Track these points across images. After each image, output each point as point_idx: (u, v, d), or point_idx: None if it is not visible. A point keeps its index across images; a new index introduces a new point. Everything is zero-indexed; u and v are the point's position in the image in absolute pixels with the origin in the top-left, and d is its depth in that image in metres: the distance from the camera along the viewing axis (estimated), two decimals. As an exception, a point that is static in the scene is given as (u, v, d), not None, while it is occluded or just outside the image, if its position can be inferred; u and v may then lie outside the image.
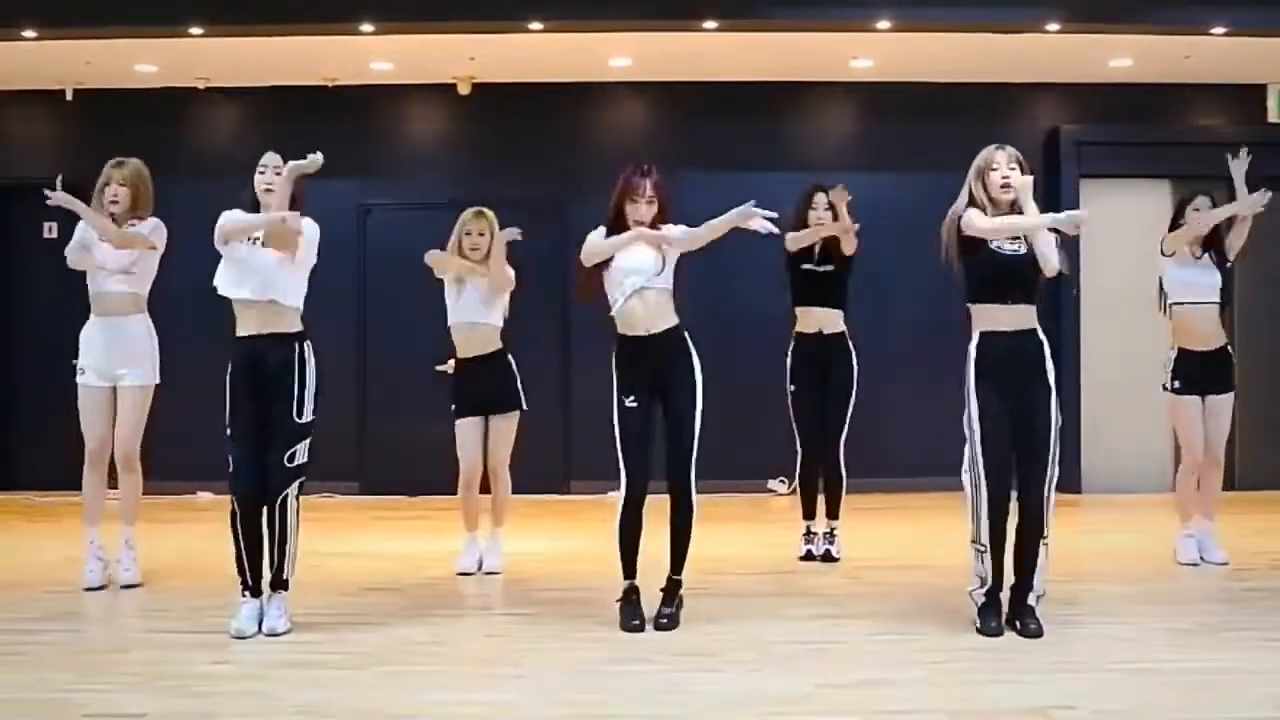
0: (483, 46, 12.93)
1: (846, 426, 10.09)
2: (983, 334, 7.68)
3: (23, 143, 14.53)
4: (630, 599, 7.90)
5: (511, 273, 9.54)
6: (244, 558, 7.71)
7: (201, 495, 13.06)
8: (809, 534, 10.19)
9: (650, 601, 7.92)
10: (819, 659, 7.17)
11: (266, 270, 7.70)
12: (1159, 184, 14.19)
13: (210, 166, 14.10)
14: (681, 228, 7.96)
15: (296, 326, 7.80)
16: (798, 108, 14.55)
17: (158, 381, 9.37)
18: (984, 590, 7.71)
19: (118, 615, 8.54)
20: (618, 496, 7.85)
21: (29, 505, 13.44)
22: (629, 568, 7.94)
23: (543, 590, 9.14)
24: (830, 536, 10.13)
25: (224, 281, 7.79)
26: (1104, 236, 13.80)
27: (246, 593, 7.73)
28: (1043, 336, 7.69)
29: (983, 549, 7.67)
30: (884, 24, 11.90)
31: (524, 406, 9.71)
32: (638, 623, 7.78)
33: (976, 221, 7.59)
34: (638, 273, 7.83)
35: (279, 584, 7.76)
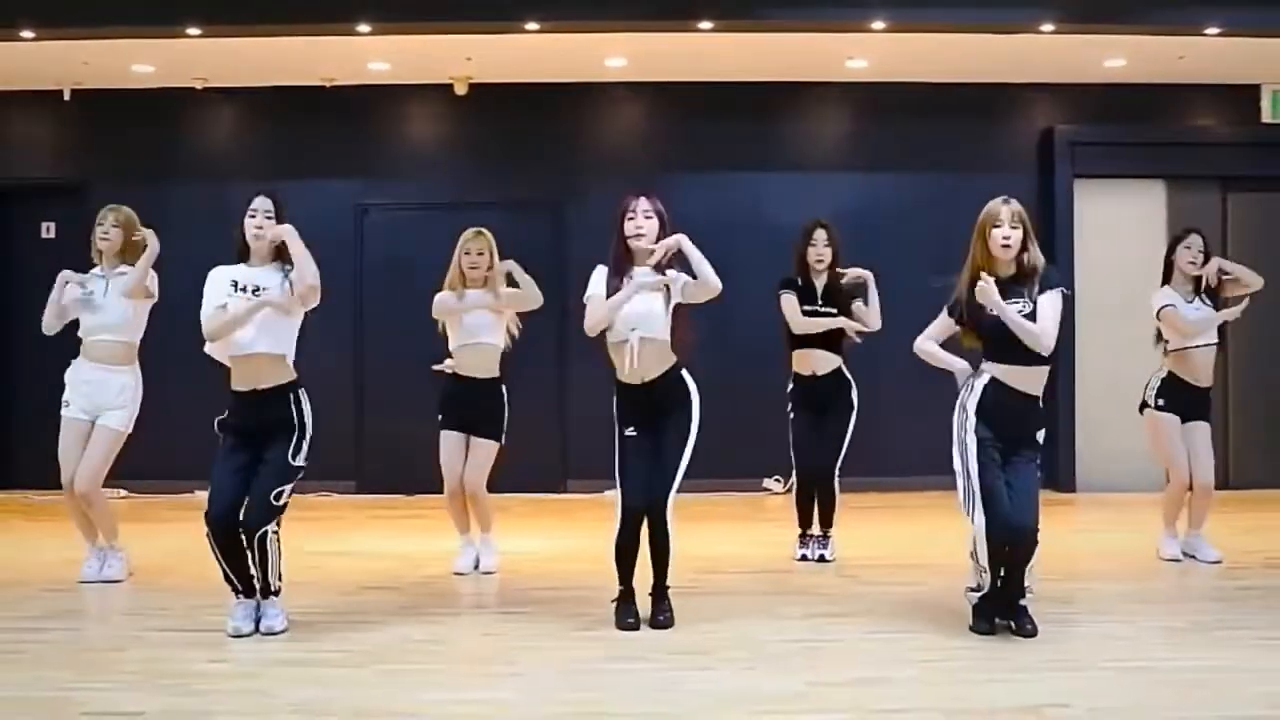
0: (479, 47, 12.95)
1: (844, 453, 10.07)
2: (991, 380, 7.72)
3: (21, 143, 14.56)
4: (625, 599, 7.95)
5: (536, 292, 9.55)
6: (228, 571, 7.74)
7: (199, 494, 13.00)
8: (804, 537, 10.23)
9: (642, 604, 7.97)
10: (813, 657, 7.19)
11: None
12: (1153, 184, 14.25)
13: (208, 166, 14.16)
14: (684, 276, 7.92)
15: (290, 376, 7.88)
16: (793, 108, 14.57)
17: (128, 432, 9.52)
18: (980, 594, 7.76)
19: (116, 614, 8.56)
20: (615, 508, 7.89)
21: (28, 504, 13.46)
22: (624, 578, 7.99)
23: (539, 589, 9.16)
24: (824, 540, 10.16)
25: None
26: (1098, 237, 13.86)
27: (239, 595, 7.77)
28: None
29: (982, 569, 7.72)
30: (879, 24, 11.91)
31: (502, 441, 9.69)
32: (632, 621, 7.84)
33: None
34: (642, 322, 7.83)
35: (268, 593, 7.79)
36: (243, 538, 7.62)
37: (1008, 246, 7.57)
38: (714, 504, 12.14)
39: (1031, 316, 7.52)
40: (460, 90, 14.26)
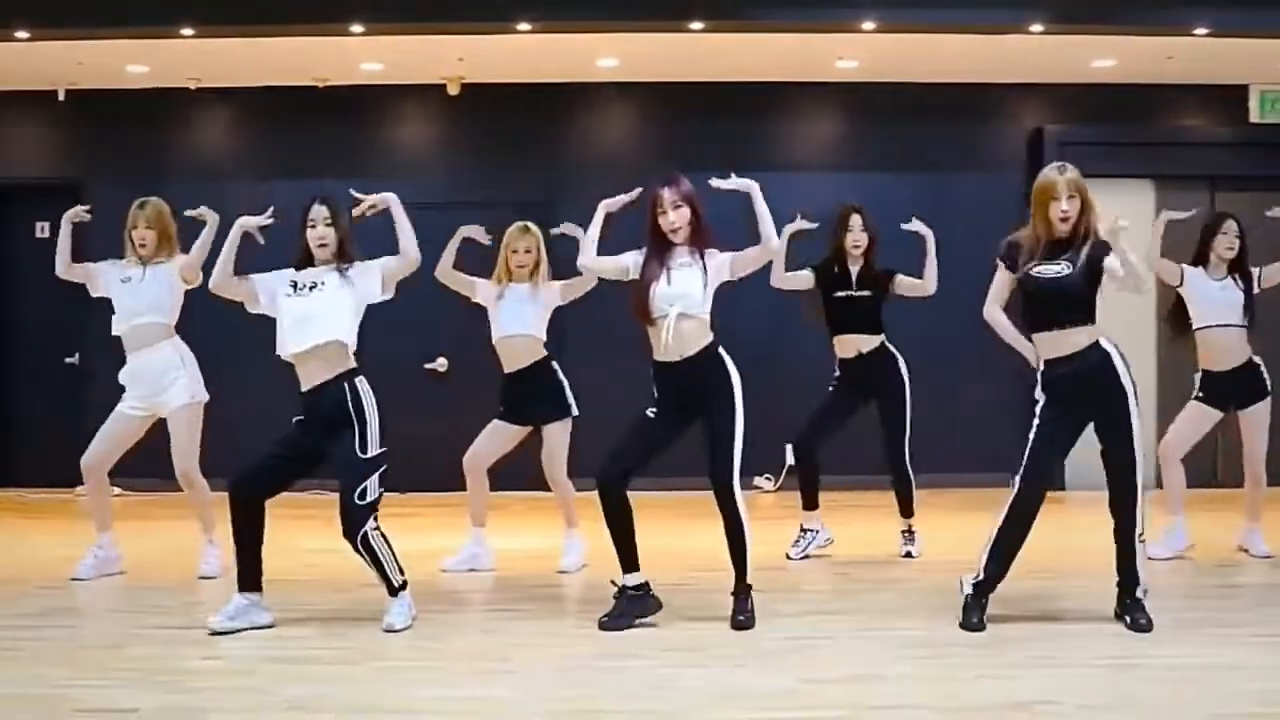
0: (472, 47, 12.99)
1: (909, 428, 10.16)
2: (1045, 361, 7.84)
3: (16, 143, 14.62)
4: (617, 597, 7.92)
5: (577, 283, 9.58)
6: (236, 551, 7.81)
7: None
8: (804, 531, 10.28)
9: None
10: (806, 655, 7.22)
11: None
12: (1142, 184, 14.31)
13: (202, 166, 14.20)
14: (723, 256, 8.04)
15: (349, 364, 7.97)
16: (783, 108, 14.63)
17: (204, 399, 9.56)
18: (974, 581, 7.82)
19: (112, 611, 8.58)
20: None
21: (24, 502, 13.50)
22: (624, 561, 7.93)
23: (534, 586, 9.20)
24: (910, 535, 10.26)
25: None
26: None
27: (241, 589, 7.82)
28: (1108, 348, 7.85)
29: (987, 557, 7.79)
30: (869, 25, 11.97)
31: (574, 412, 9.72)
32: (606, 619, 7.81)
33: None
34: (681, 299, 7.81)
35: (392, 591, 7.90)
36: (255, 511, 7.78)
37: (1065, 220, 7.67)
38: (705, 501, 12.14)
39: (1069, 280, 7.68)
40: (453, 90, 14.31)
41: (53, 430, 14.03)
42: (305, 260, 8.01)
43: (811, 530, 10.21)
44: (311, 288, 7.88)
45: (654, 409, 7.92)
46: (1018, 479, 7.72)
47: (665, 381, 7.91)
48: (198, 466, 9.50)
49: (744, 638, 7.59)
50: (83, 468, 9.46)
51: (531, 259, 9.62)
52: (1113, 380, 7.73)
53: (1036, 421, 7.74)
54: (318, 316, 7.81)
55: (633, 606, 7.89)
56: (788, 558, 10.04)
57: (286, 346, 7.86)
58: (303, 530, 9.93)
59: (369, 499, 7.75)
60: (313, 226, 7.93)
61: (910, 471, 10.17)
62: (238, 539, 7.80)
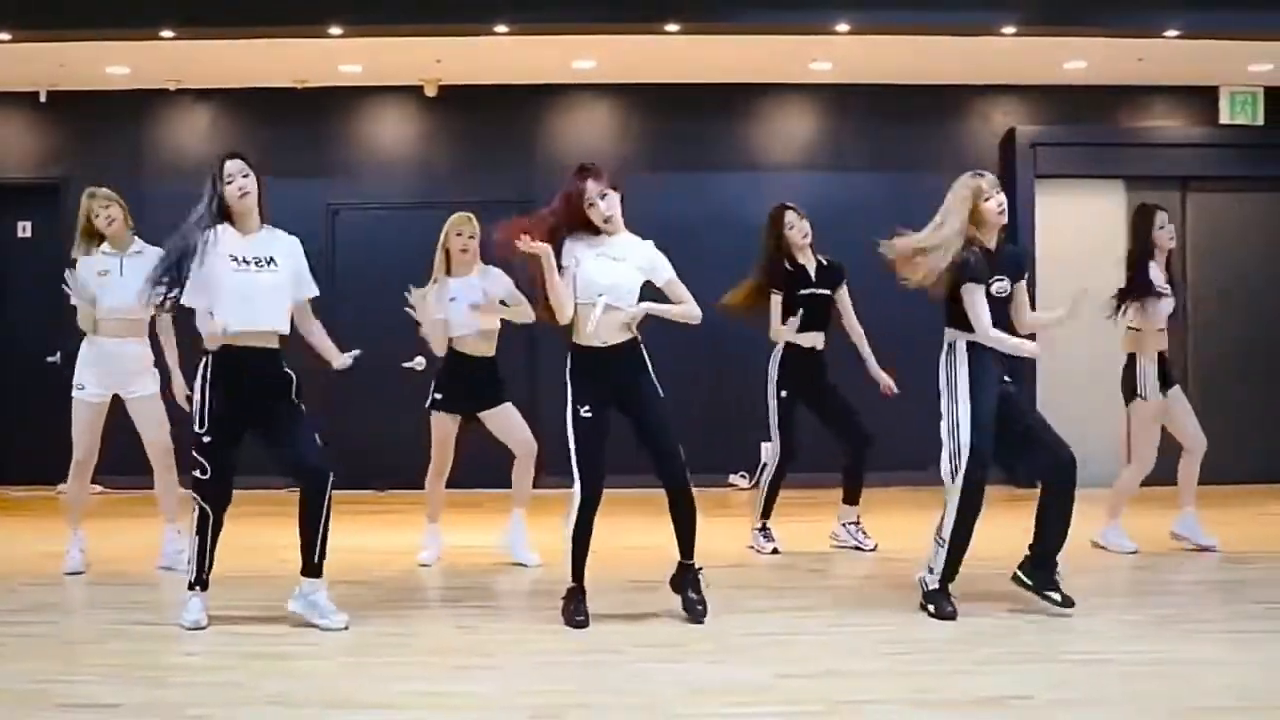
0: (449, 49, 13.05)
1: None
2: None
3: (-3, 144, 14.64)
4: (577, 596, 7.94)
5: (522, 302, 9.54)
6: (209, 551, 7.84)
7: (179, 490, 13.10)
8: (765, 530, 10.39)
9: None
10: (780, 650, 7.28)
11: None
12: (1113, 184, 14.39)
13: (181, 166, 14.20)
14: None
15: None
16: (759, 109, 14.70)
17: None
18: (935, 576, 7.95)
19: (94, 607, 8.61)
20: (572, 500, 7.87)
21: (5, 499, 13.50)
22: (578, 571, 7.93)
23: (511, 582, 9.26)
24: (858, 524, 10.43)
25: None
26: (1058, 236, 13.99)
27: (198, 588, 7.86)
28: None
29: (941, 543, 7.90)
30: (843, 27, 12.03)
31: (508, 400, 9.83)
32: (582, 619, 7.83)
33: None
34: (612, 291, 7.78)
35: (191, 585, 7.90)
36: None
37: (1003, 213, 7.89)
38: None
39: (1009, 298, 8.04)
40: (430, 92, 14.37)
41: (34, 429, 14.04)
42: (218, 217, 7.79)
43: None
44: (259, 262, 7.83)
45: (586, 406, 7.81)
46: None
47: (586, 369, 7.87)
48: (170, 448, 9.64)
49: (720, 633, 7.62)
50: (76, 464, 9.53)
51: (475, 245, 9.71)
52: None
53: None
54: (272, 302, 7.89)
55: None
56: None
57: (238, 322, 7.71)
58: (276, 527, 9.97)
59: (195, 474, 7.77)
60: (230, 181, 7.79)
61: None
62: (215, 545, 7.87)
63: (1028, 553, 8.14)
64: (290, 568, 9.00)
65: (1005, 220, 7.92)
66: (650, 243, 8.02)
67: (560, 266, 7.79)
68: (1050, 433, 8.11)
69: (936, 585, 7.96)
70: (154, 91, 14.34)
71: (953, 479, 7.85)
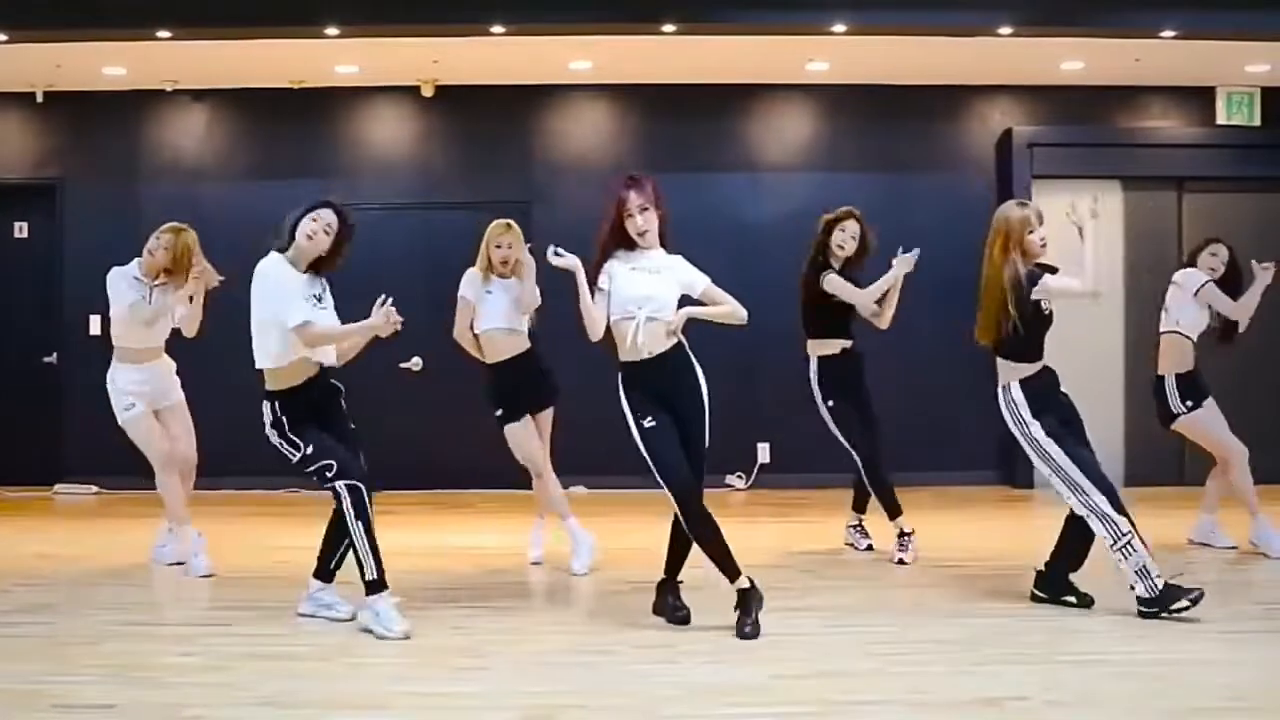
0: (446, 50, 13.05)
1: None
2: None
3: (-6, 144, 14.65)
4: (664, 590, 8.02)
5: (537, 293, 9.58)
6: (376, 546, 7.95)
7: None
8: (902, 536, 10.08)
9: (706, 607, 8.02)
10: (777, 650, 7.27)
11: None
12: (1110, 184, 14.38)
13: (178, 167, 14.22)
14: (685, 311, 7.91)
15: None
16: (755, 109, 14.70)
17: None
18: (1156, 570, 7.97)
19: (89, 608, 8.55)
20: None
21: (2, 500, 13.47)
22: (730, 569, 7.80)
23: (508, 583, 9.26)
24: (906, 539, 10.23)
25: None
26: (1055, 236, 13.98)
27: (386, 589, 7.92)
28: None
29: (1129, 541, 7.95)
30: (839, 27, 12.03)
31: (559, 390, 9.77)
32: (683, 614, 7.89)
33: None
34: (649, 302, 7.72)
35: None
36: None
37: (1045, 245, 8.11)
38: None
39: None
40: (427, 92, 14.37)
41: (30, 429, 14.04)
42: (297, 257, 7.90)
43: (908, 533, 10.15)
44: (319, 299, 7.95)
45: (649, 418, 7.72)
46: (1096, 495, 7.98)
47: (640, 383, 7.79)
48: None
49: (715, 634, 7.60)
50: (162, 466, 9.63)
51: (514, 255, 9.64)
52: None
53: (1043, 436, 8.07)
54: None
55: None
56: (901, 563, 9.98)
57: (317, 354, 7.94)
58: (275, 528, 9.98)
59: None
60: (314, 221, 7.84)
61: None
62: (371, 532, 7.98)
63: (1043, 569, 8.19)
64: (289, 568, 9.03)
65: (1046, 251, 8.16)
66: (680, 257, 7.96)
67: (595, 288, 7.80)
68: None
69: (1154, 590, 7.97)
70: (150, 92, 14.34)
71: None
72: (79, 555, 9.83)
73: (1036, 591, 8.26)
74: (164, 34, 11.84)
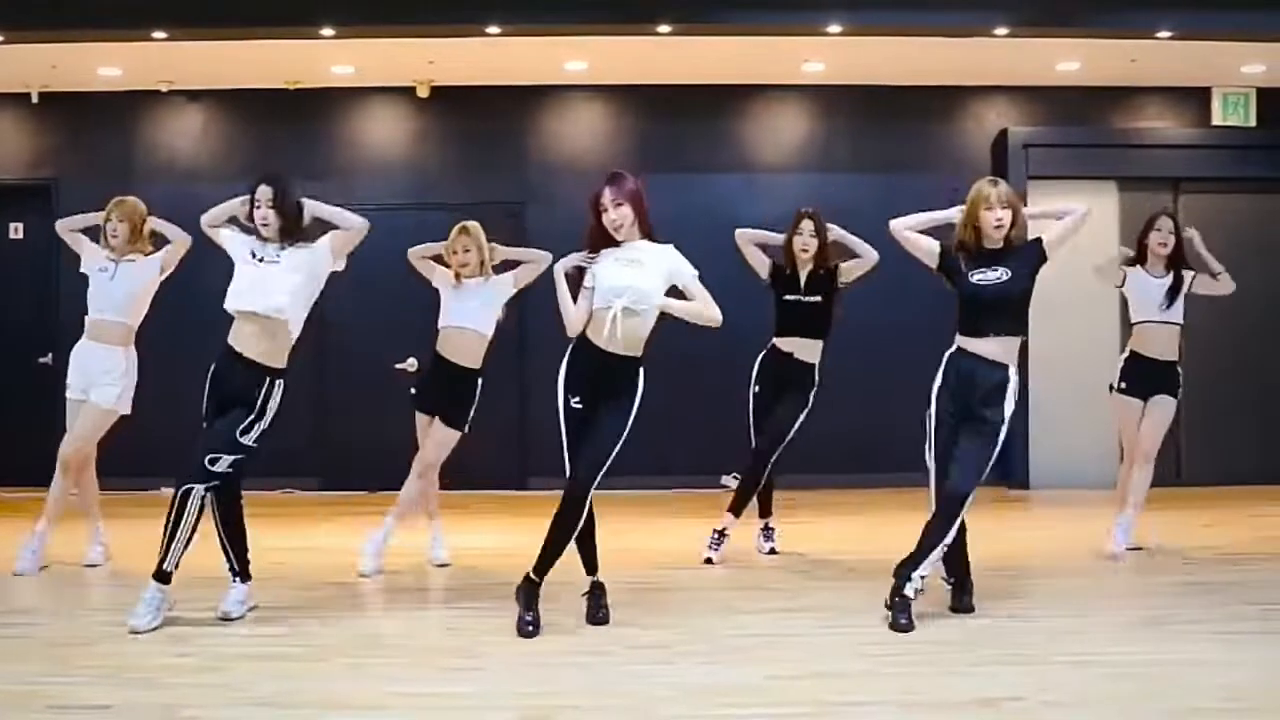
0: (441, 50, 13.07)
1: (789, 438, 10.13)
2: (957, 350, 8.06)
3: (-11, 144, 14.63)
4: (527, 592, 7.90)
5: (537, 252, 9.71)
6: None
7: (165, 490, 13.03)
8: (768, 529, 10.36)
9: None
10: (771, 651, 7.26)
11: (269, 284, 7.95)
12: (1105, 185, 14.40)
13: (174, 168, 14.22)
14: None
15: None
16: (751, 110, 14.72)
17: (124, 412, 9.70)
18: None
19: (84, 608, 8.57)
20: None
21: (-1, 500, 13.50)
22: (540, 566, 7.85)
23: (501, 584, 9.23)
24: (769, 533, 10.36)
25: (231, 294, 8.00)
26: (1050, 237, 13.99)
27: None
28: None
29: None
30: (835, 28, 12.05)
31: (465, 431, 9.72)
32: (530, 619, 7.74)
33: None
34: (628, 293, 7.70)
35: (158, 575, 7.87)
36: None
37: (1000, 228, 7.90)
38: (671, 501, 12.21)
39: (1005, 285, 7.90)
40: (422, 93, 14.40)
41: (26, 429, 14.04)
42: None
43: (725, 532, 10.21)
44: (266, 261, 7.99)
45: (576, 397, 7.77)
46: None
47: (582, 363, 7.80)
48: (80, 455, 9.69)
49: (710, 635, 7.60)
50: (61, 457, 9.64)
51: (474, 258, 9.65)
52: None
53: (932, 423, 8.04)
54: (270, 288, 7.89)
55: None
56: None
57: (234, 300, 7.95)
58: (269, 529, 9.96)
59: (217, 469, 7.79)
60: (257, 206, 8.01)
61: (770, 469, 10.20)
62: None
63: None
64: (284, 569, 9.03)
65: (1001, 233, 7.93)
66: (670, 246, 7.95)
67: (582, 284, 7.87)
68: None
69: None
70: (146, 93, 14.36)
71: None
72: (74, 556, 9.80)
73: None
74: (159, 34, 11.86)
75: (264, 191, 8.00)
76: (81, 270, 9.70)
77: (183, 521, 7.78)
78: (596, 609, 7.98)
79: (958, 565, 8.16)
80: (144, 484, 12.56)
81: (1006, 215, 7.88)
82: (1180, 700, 6.24)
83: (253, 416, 7.84)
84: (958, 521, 7.88)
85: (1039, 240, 8.04)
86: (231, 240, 8.12)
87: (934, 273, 8.11)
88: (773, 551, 10.28)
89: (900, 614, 7.69)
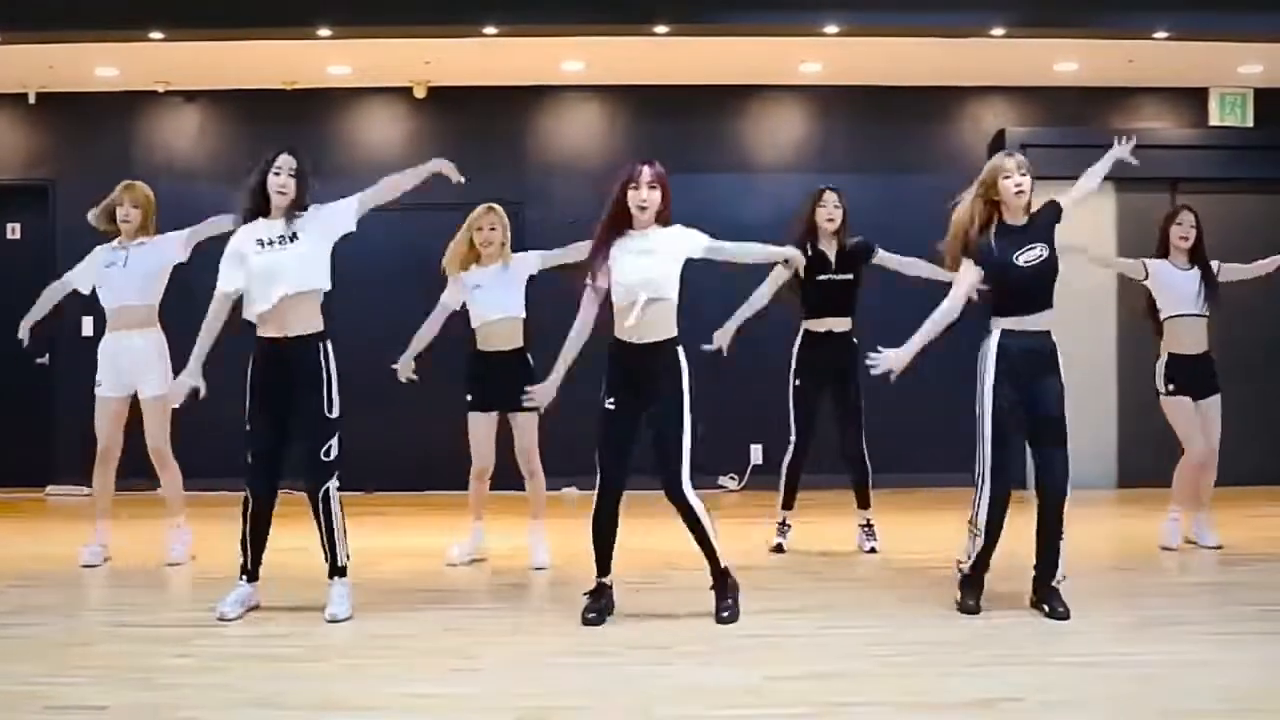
0: (438, 50, 13.06)
1: (864, 416, 10.25)
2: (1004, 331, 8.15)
3: (-14, 145, 14.63)
4: (595, 592, 7.98)
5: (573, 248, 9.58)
6: (246, 541, 8.12)
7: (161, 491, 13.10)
8: (783, 525, 10.38)
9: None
10: (770, 652, 7.27)
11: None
12: (1103, 185, 14.32)
13: (171, 168, 14.21)
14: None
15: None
16: (748, 111, 14.72)
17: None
18: (969, 564, 8.05)
19: (84, 609, 8.60)
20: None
21: (-6, 500, 13.50)
22: (601, 565, 7.99)
23: (501, 584, 9.25)
24: (869, 529, 10.37)
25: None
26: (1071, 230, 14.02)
27: (244, 577, 8.10)
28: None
29: (976, 533, 7.97)
30: (832, 28, 12.04)
31: (540, 411, 9.70)
32: (594, 616, 7.84)
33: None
34: (648, 286, 7.81)
35: (336, 570, 8.11)
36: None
37: (1021, 193, 8.03)
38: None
39: (1047, 261, 8.12)
40: (419, 93, 14.39)
41: (24, 430, 14.04)
42: (256, 211, 8.22)
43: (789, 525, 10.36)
44: (281, 240, 8.06)
45: (611, 399, 7.87)
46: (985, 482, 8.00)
47: (620, 365, 7.90)
48: (169, 447, 9.82)
49: (709, 635, 7.62)
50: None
51: (498, 237, 9.73)
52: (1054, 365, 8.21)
53: (990, 408, 8.05)
54: (292, 268, 7.97)
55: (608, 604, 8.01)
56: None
57: (259, 304, 7.98)
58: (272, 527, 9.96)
59: (333, 456, 8.00)
60: (276, 173, 8.18)
61: (868, 461, 10.26)
62: (254, 536, 8.19)
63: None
64: (282, 569, 9.02)
65: (1024, 200, 8.12)
66: (677, 226, 8.10)
67: (595, 285, 8.01)
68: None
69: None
70: (143, 93, 14.35)
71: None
72: (71, 556, 9.80)
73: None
74: (156, 35, 11.85)
75: (286, 160, 8.23)
76: (87, 292, 9.74)
77: (335, 520, 8.09)
78: (598, 609, 7.98)
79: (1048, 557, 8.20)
80: (146, 485, 12.57)
81: (1026, 181, 8.00)
82: (1179, 701, 6.24)
83: (325, 388, 8.03)
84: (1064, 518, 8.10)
85: (1055, 203, 8.23)
86: (239, 240, 8.16)
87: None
88: (780, 549, 10.30)
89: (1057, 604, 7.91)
